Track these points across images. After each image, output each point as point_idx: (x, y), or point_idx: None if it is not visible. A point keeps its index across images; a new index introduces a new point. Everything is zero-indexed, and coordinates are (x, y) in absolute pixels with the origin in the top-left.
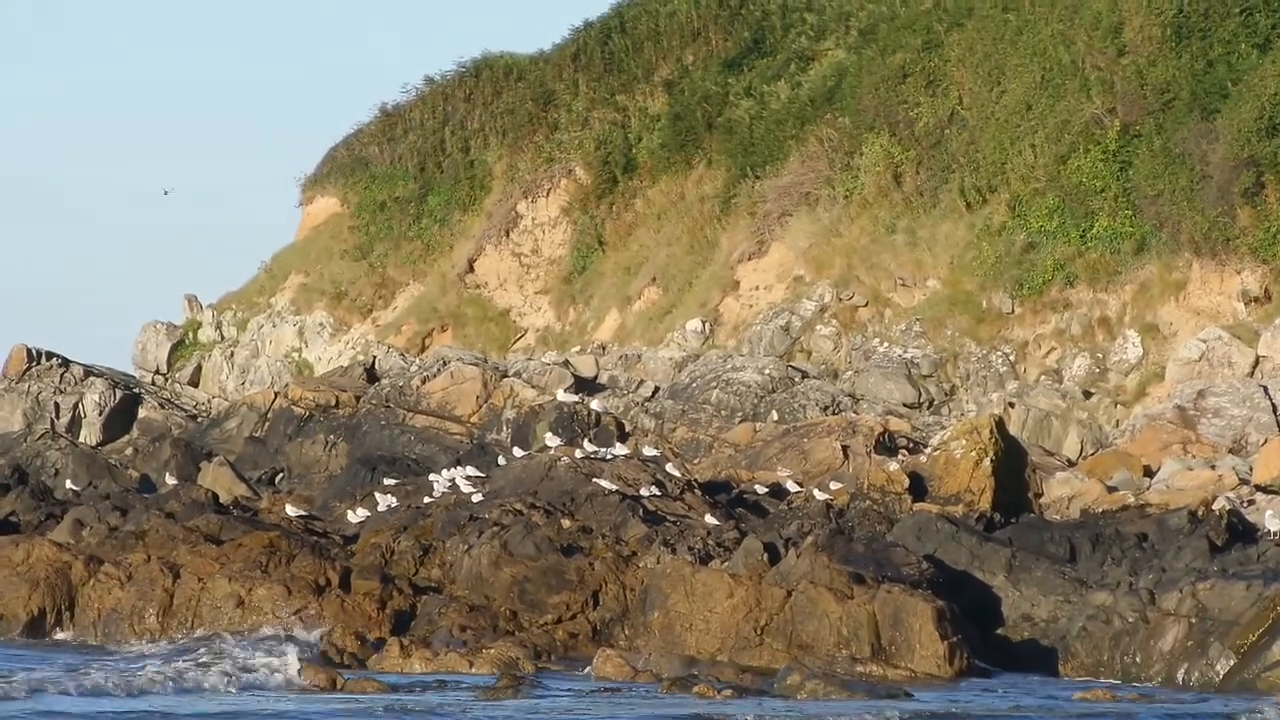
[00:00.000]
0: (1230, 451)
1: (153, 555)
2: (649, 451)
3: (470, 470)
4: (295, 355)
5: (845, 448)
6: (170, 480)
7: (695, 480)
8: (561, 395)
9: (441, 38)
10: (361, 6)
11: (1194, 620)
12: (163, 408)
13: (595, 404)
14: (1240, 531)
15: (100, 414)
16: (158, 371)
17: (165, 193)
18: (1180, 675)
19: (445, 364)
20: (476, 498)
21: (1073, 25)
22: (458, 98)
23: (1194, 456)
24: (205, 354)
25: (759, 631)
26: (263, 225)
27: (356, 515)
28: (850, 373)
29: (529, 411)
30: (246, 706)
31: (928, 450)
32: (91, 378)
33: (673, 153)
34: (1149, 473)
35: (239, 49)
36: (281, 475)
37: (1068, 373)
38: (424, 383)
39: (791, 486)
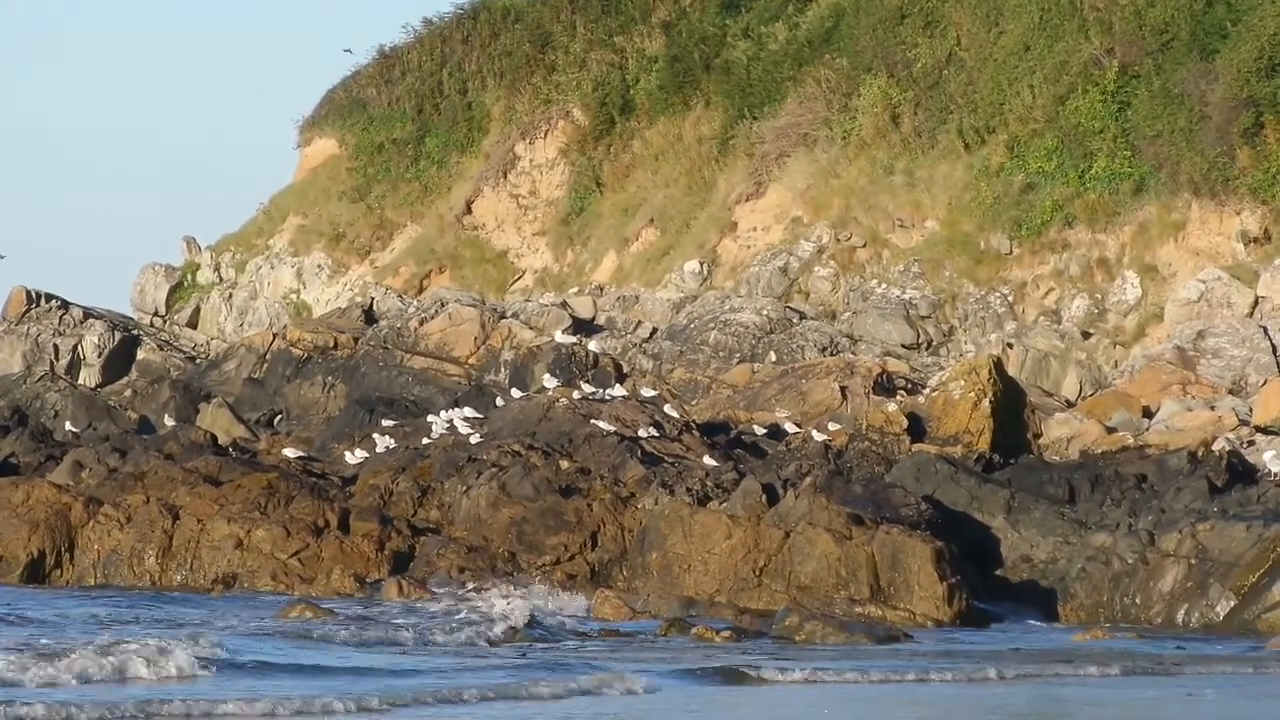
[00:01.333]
0: (1230, 392)
1: (152, 497)
2: (647, 392)
3: (468, 411)
4: (293, 297)
5: (843, 389)
6: (169, 422)
7: (693, 421)
8: (559, 336)
9: None
10: None
11: (1194, 561)
12: (161, 349)
13: (593, 345)
14: (1240, 472)
15: (99, 356)
16: (156, 313)
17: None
18: (1180, 616)
19: (443, 305)
20: (475, 439)
21: None
22: (455, 39)
23: (1193, 397)
24: (203, 296)
25: (757, 573)
26: (260, 167)
27: (355, 456)
28: (848, 314)
29: (527, 353)
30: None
31: (926, 391)
32: (90, 320)
33: (670, 94)
34: (1148, 413)
35: None
36: (280, 417)
37: (1066, 313)
38: (422, 324)
39: (790, 427)
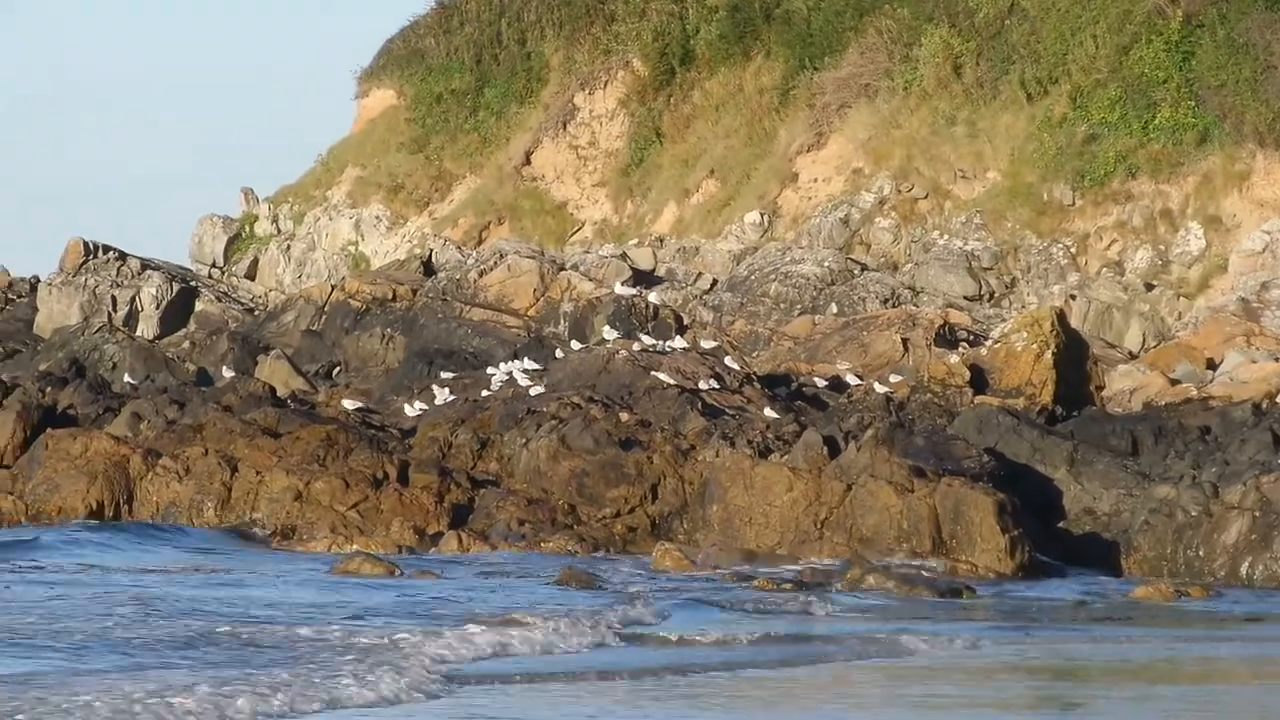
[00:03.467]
0: None
1: (210, 448)
2: (707, 344)
3: (528, 363)
4: (352, 248)
5: (905, 340)
6: (227, 374)
7: (754, 373)
8: (619, 288)
9: None
10: None
11: (1257, 514)
12: (219, 301)
13: (653, 297)
14: None
15: (157, 307)
16: (214, 265)
17: None
18: (1244, 569)
19: (502, 257)
20: (534, 391)
21: None
22: None
23: (1257, 349)
24: (262, 247)
25: (819, 525)
26: (318, 118)
27: (414, 409)
28: (910, 265)
29: (587, 304)
30: None
31: (988, 343)
32: (148, 271)
33: (731, 44)
34: (1212, 365)
35: None
36: (338, 369)
37: (1129, 265)
38: (481, 276)
39: (851, 379)
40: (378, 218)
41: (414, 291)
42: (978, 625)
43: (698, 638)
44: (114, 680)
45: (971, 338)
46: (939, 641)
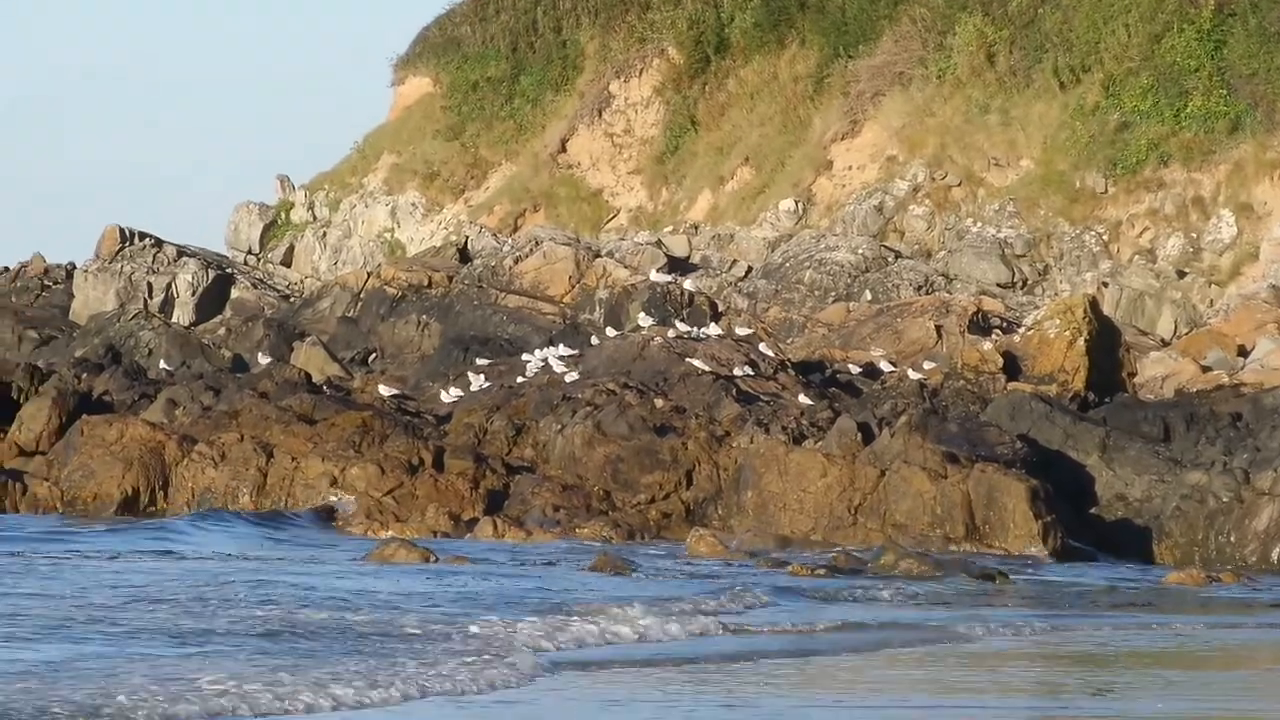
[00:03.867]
0: None
1: (246, 435)
2: (742, 331)
3: (563, 350)
4: (387, 235)
5: (939, 327)
6: (263, 360)
7: (788, 360)
8: (654, 275)
9: None
10: None
11: None
12: (255, 288)
13: (688, 284)
14: None
15: (193, 294)
16: (250, 252)
17: None
18: (1275, 555)
19: (538, 244)
20: (569, 377)
21: None
22: None
23: None
24: (297, 234)
25: (852, 511)
26: (354, 105)
27: (449, 395)
28: (943, 252)
29: (622, 291)
30: None
31: (1021, 330)
32: (184, 258)
33: (765, 32)
34: (1243, 352)
35: None
36: (374, 355)
37: (1161, 252)
38: (516, 263)
39: (885, 366)
40: (414, 205)
41: (450, 278)
42: (1021, 612)
43: (790, 626)
44: (225, 665)
45: (1004, 325)
46: (991, 628)
